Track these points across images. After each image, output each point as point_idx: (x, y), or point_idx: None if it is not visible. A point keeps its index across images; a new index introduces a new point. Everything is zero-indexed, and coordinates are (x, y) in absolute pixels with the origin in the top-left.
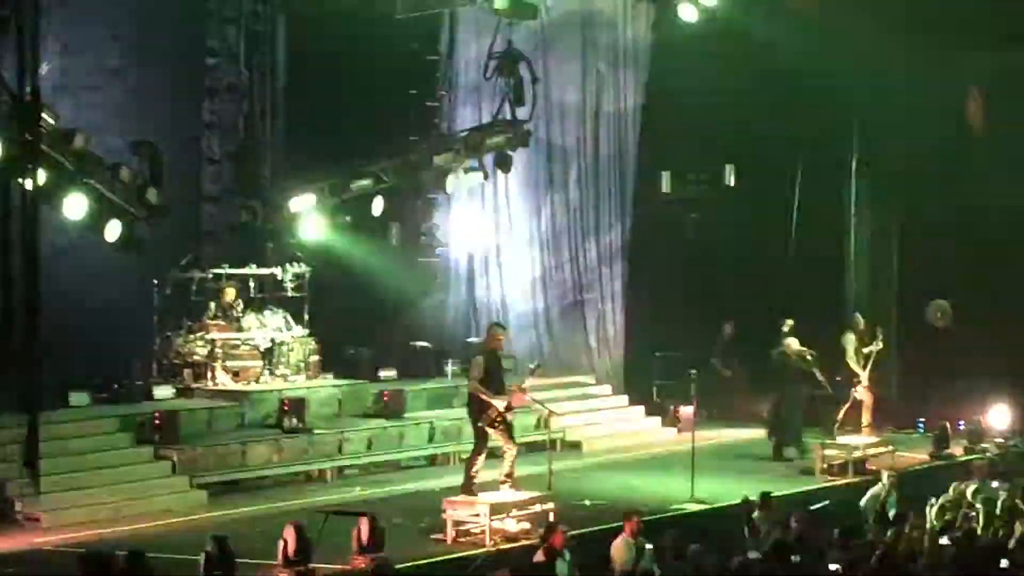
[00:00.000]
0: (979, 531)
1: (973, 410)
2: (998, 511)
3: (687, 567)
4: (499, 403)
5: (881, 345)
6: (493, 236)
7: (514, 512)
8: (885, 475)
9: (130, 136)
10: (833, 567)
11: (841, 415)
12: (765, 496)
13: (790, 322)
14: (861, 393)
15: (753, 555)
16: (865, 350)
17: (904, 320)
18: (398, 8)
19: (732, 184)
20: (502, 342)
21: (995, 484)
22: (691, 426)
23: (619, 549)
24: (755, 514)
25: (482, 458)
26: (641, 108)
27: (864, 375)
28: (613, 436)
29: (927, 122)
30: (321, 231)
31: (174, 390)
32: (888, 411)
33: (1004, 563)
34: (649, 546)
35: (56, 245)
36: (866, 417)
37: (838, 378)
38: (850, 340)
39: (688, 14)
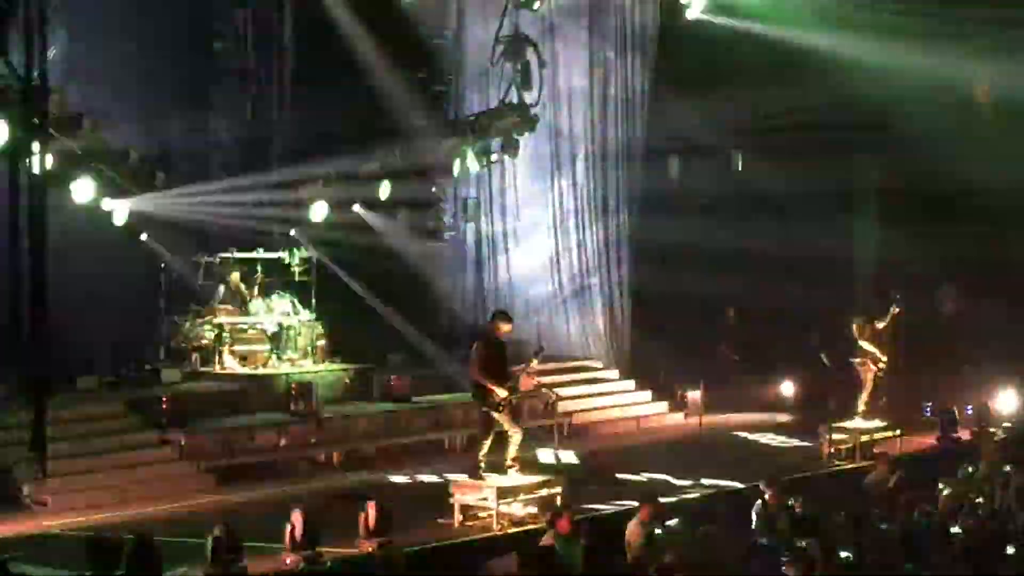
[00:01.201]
0: (989, 515)
1: (981, 395)
2: (1010, 494)
3: (697, 550)
4: (500, 391)
5: (897, 310)
6: (500, 221)
7: (521, 496)
8: (880, 461)
9: (138, 119)
10: (844, 554)
11: (865, 396)
12: (773, 480)
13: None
14: (867, 374)
15: (762, 539)
16: (879, 324)
17: (912, 305)
18: None
19: (739, 169)
20: (507, 331)
21: (1007, 468)
22: (698, 410)
23: (634, 532)
24: (763, 498)
25: (488, 442)
26: (648, 93)
27: (883, 354)
28: (620, 420)
29: (935, 104)
30: (329, 215)
31: (181, 374)
32: (896, 395)
33: (1011, 550)
34: (659, 531)
35: (64, 229)
36: (864, 397)
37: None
38: (856, 323)
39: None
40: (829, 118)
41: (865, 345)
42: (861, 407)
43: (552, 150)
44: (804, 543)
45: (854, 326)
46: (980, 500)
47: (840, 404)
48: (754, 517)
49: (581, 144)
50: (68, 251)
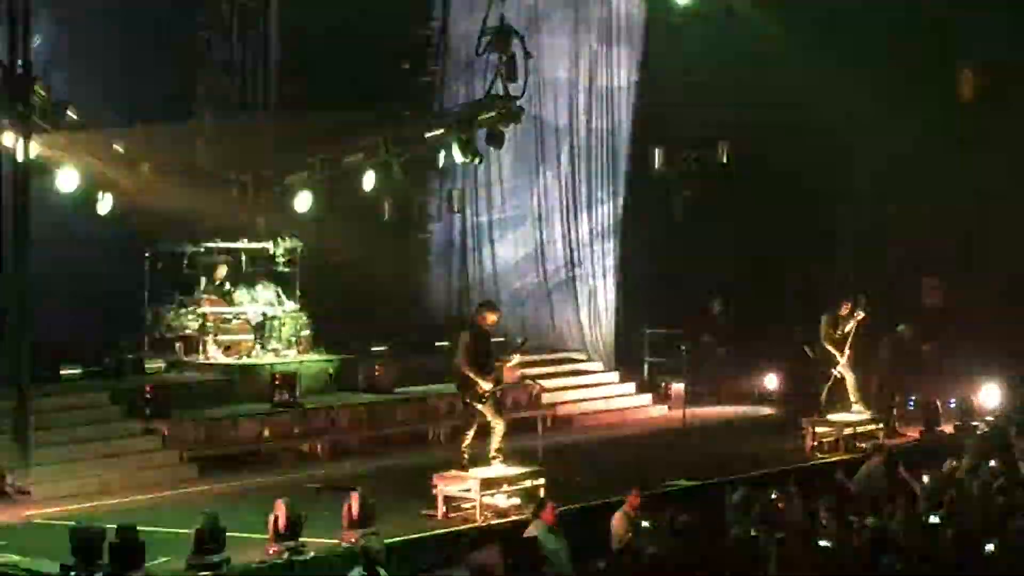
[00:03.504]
0: (972, 509)
1: (964, 388)
2: (994, 488)
3: (680, 542)
4: (485, 383)
5: (861, 316)
6: (485, 212)
7: (504, 487)
8: (875, 453)
9: (123, 109)
10: (824, 543)
11: (824, 394)
12: (755, 475)
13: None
14: (841, 372)
15: (743, 532)
16: (847, 328)
17: (896, 298)
18: None
19: (725, 161)
20: (493, 322)
21: (992, 463)
22: (682, 402)
23: (619, 522)
24: (746, 490)
25: (472, 433)
26: (634, 84)
27: (841, 355)
28: (604, 412)
29: (919, 99)
30: (313, 206)
31: (165, 364)
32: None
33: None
34: (646, 523)
35: (48, 218)
36: (854, 395)
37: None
38: (825, 321)
39: None
40: (815, 110)
41: (828, 346)
42: (854, 399)
43: (537, 141)
44: (780, 536)
45: (822, 325)
46: (962, 493)
47: (825, 397)
48: (733, 510)
49: (566, 135)
50: (52, 240)
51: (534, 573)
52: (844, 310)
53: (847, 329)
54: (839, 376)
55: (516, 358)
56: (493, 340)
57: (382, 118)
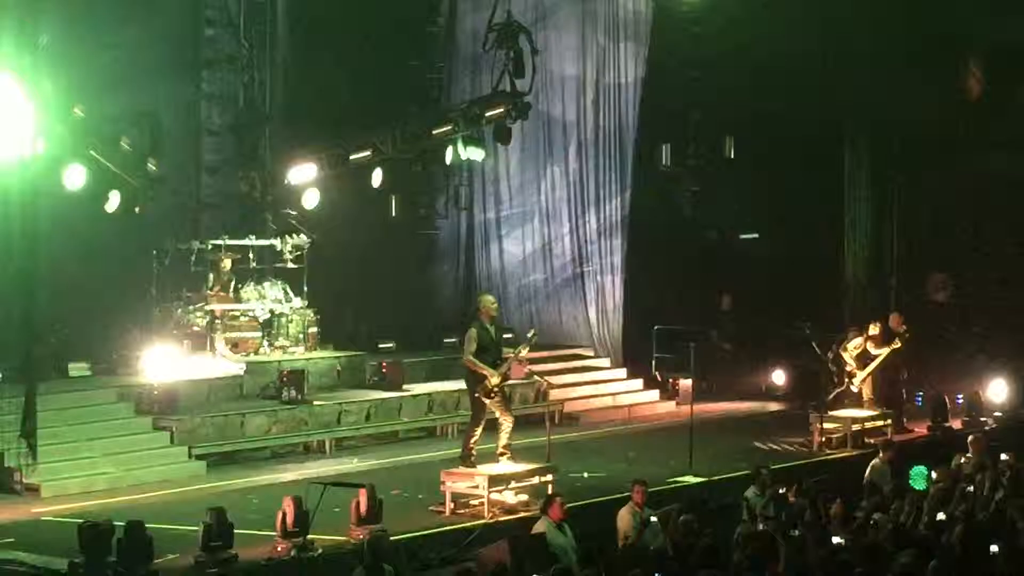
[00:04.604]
0: (980, 506)
1: (972, 384)
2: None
3: (691, 538)
4: (493, 378)
5: (897, 346)
6: (492, 208)
7: (512, 484)
8: (883, 449)
9: (130, 107)
10: (836, 540)
11: (832, 395)
12: (761, 470)
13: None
14: (857, 384)
15: (752, 528)
16: (878, 350)
17: (903, 293)
18: None
19: (731, 156)
20: (492, 310)
21: (1004, 457)
22: (689, 399)
23: (625, 518)
24: (752, 487)
25: (480, 430)
26: (641, 80)
27: (861, 373)
28: (611, 409)
29: (925, 91)
30: (320, 202)
31: None
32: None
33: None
34: (654, 518)
35: (55, 215)
36: (866, 392)
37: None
38: (856, 344)
39: None
40: (822, 105)
41: (845, 356)
42: (868, 395)
43: (545, 137)
44: (795, 532)
45: (848, 338)
46: (971, 489)
47: (832, 393)
48: (744, 506)
49: (574, 131)
50: (59, 238)
51: (542, 569)
52: (874, 330)
53: (874, 353)
54: (856, 389)
55: (525, 350)
56: (504, 336)
57: (389, 114)
